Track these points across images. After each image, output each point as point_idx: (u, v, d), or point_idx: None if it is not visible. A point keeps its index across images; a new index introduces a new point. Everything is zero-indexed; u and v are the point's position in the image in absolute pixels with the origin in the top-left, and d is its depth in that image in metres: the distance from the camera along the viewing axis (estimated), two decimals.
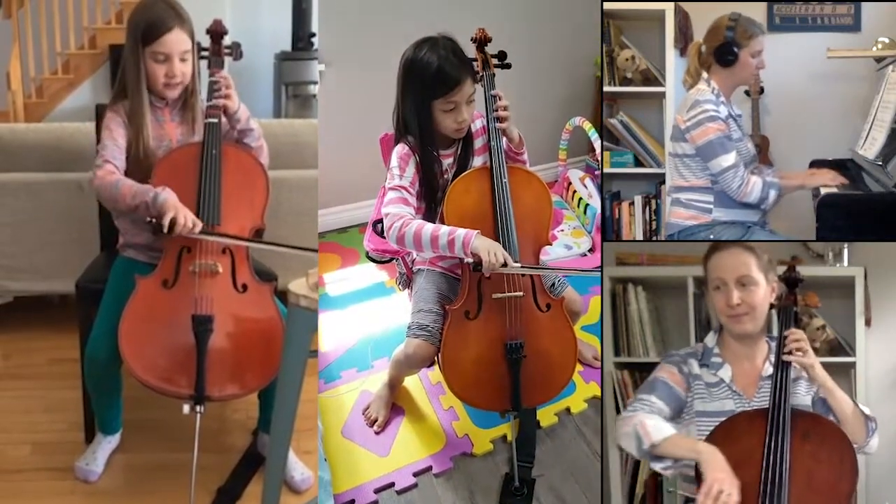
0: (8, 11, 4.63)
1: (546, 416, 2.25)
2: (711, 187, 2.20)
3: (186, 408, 1.81)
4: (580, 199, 3.47)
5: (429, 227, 1.87)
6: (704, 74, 2.21)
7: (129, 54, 1.97)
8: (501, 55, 2.09)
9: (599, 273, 2.32)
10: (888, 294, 2.16)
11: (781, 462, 1.52)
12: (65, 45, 4.85)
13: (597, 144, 3.19)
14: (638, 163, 2.71)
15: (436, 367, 2.04)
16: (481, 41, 2.07)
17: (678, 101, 2.43)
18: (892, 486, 2.08)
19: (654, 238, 2.70)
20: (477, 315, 1.93)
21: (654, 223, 2.73)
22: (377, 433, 2.20)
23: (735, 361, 1.74)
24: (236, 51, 2.14)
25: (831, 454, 1.54)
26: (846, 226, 2.10)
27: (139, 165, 1.97)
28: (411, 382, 2.37)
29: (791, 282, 1.77)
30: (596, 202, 3.32)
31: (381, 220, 2.01)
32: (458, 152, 2.06)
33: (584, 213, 3.40)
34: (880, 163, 2.13)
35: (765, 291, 1.69)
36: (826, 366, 1.67)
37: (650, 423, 1.61)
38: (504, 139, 2.02)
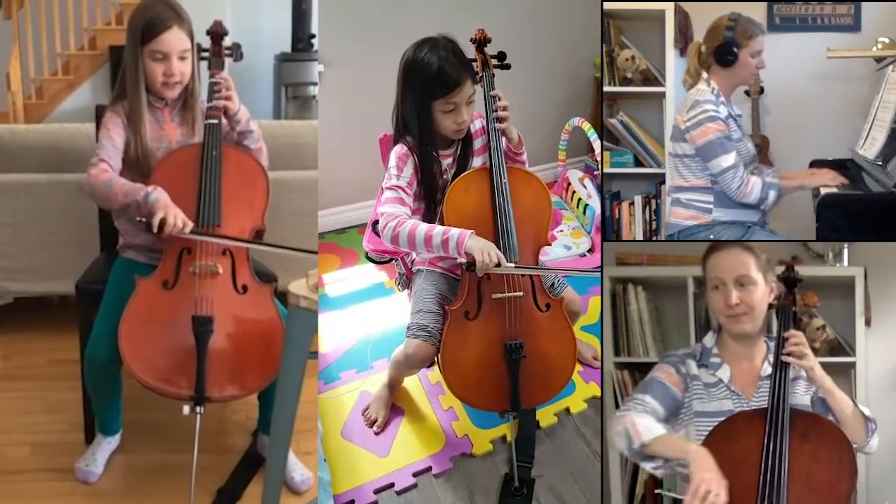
0: (8, 12, 4.62)
1: (546, 416, 2.25)
2: (711, 187, 2.20)
3: (186, 409, 1.82)
4: (579, 199, 3.47)
5: (423, 227, 1.86)
6: (704, 74, 2.21)
7: (128, 54, 1.97)
8: (501, 56, 2.09)
9: (599, 273, 2.32)
10: (888, 294, 2.16)
11: (780, 462, 1.52)
12: (65, 46, 4.84)
13: (596, 145, 3.19)
14: (638, 163, 2.71)
15: (435, 367, 2.04)
16: (481, 42, 2.08)
17: (678, 101, 2.43)
18: (892, 486, 2.08)
19: (654, 238, 2.70)
20: (476, 315, 1.93)
21: (654, 223, 2.73)
22: (377, 434, 2.20)
23: (734, 361, 1.73)
24: (237, 52, 2.14)
25: (830, 454, 1.54)
26: (846, 226, 2.10)
27: (137, 165, 1.97)
28: (411, 383, 2.37)
29: (790, 282, 1.77)
30: (595, 202, 3.32)
31: None
32: (458, 153, 2.06)
33: (584, 213, 3.41)
34: (880, 163, 2.13)
35: (763, 291, 1.69)
36: (826, 366, 1.67)
37: (641, 423, 1.61)
38: (503, 140, 2.03)
